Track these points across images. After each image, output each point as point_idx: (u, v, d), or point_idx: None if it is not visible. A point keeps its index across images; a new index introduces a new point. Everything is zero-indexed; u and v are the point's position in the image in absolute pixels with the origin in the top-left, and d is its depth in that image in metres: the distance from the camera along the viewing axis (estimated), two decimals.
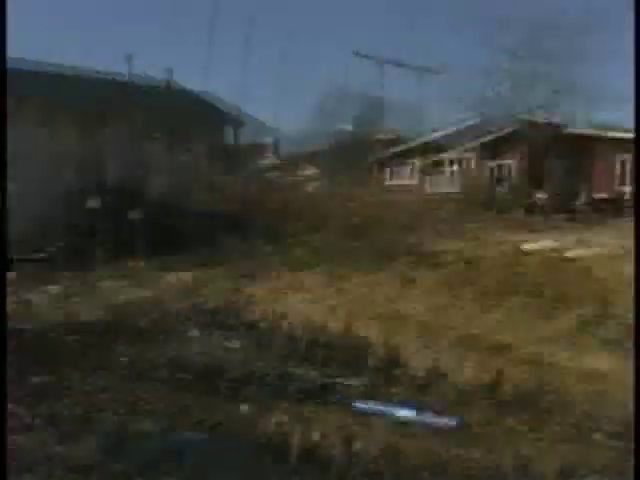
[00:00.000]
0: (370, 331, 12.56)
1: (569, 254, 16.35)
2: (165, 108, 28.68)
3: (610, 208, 26.65)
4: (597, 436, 8.17)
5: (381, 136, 39.63)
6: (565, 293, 13.40)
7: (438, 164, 36.48)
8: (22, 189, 21.86)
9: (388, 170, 38.63)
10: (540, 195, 28.99)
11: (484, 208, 27.30)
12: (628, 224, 18.41)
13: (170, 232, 21.94)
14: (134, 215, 22.20)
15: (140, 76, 30.68)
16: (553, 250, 17.12)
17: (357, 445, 7.25)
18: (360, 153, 36.39)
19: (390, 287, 15.32)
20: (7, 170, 15.52)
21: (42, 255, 21.14)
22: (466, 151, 35.24)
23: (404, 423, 8.32)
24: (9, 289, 17.29)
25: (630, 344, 9.85)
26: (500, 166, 34.06)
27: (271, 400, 8.97)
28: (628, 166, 28.84)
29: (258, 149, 35.27)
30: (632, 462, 5.94)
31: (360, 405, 8.86)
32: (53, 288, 18.20)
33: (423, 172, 36.35)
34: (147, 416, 8.13)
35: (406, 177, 37.59)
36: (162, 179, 24.61)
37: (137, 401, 8.74)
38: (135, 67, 30.06)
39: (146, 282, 18.09)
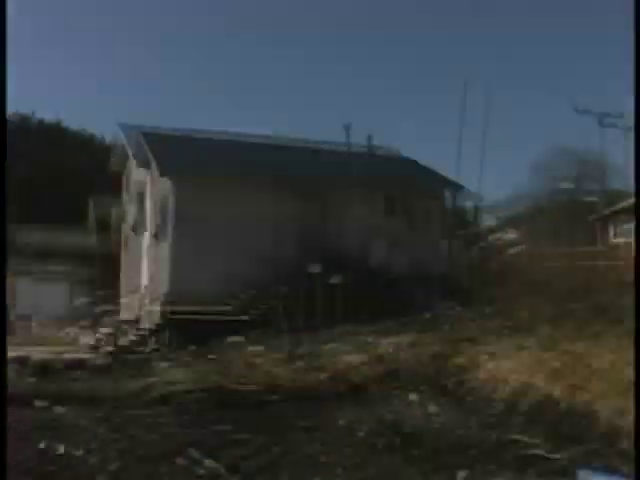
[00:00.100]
0: (595, 399, 11.83)
1: None
2: (382, 173, 29.37)
3: None
4: None
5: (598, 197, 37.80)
6: None
7: None
8: (239, 254, 23.40)
9: (612, 228, 36.67)
10: None
11: None
12: None
13: (387, 296, 22.24)
14: (350, 280, 22.82)
15: (349, 144, 31.58)
16: None
17: None
18: (581, 212, 34.95)
19: (617, 352, 14.37)
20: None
21: (247, 317, 22.30)
22: None
23: None
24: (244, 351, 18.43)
25: None
26: None
27: (491, 467, 8.71)
28: None
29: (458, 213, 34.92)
30: None
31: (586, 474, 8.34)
32: (258, 349, 19.14)
33: None
34: None
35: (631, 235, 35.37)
36: (381, 245, 25.13)
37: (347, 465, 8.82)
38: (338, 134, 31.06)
39: (365, 345, 18.35)
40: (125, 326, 23.83)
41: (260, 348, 19.21)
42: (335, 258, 23.54)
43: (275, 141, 31.20)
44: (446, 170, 29.80)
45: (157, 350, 20.64)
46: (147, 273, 24.50)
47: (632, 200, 35.51)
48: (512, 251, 31.19)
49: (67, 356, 18.29)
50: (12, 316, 32.08)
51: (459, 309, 20.97)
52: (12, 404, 12.72)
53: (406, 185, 28.33)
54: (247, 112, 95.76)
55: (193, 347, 19.98)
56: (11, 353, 18.41)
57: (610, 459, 9.14)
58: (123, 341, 22.17)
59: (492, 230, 36.44)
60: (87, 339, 22.97)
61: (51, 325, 29.77)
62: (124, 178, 31.75)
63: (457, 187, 28.62)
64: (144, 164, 25.49)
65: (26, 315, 31.43)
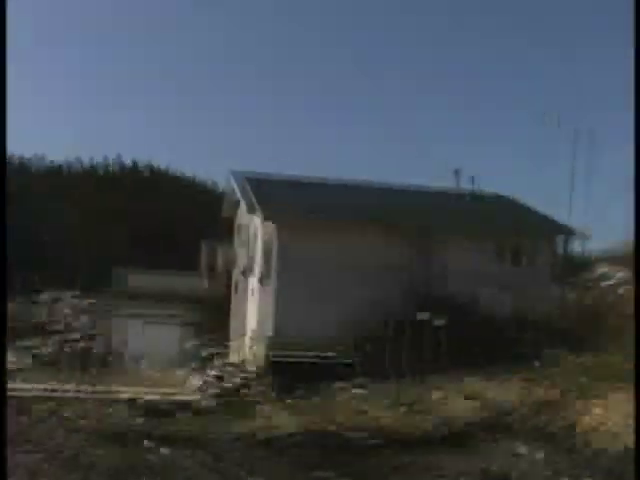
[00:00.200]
0: None
1: None
2: (491, 216, 28.98)
3: None
4: None
5: None
6: None
7: None
8: (344, 299, 23.44)
9: None
10: None
11: None
12: None
13: (496, 342, 21.75)
14: (458, 325, 22.44)
15: (459, 188, 31.33)
16: None
17: None
18: None
19: None
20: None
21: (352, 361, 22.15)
22: None
23: None
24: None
25: None
26: None
27: None
28: None
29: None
30: None
31: None
32: (363, 394, 18.95)
33: None
34: None
35: None
36: (490, 289, 24.62)
37: None
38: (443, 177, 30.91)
39: (473, 393, 17.94)
40: (232, 369, 24.13)
41: (365, 393, 19.07)
42: (443, 303, 23.20)
43: (379, 185, 31.27)
44: (557, 214, 29.08)
45: (262, 393, 20.75)
46: (254, 317, 24.83)
47: None
48: (624, 294, 29.88)
49: (175, 397, 18.66)
50: (126, 357, 33.13)
51: (571, 356, 20.19)
52: (122, 443, 13.16)
53: (515, 229, 27.74)
54: (345, 160, 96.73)
55: (298, 391, 20.01)
56: (123, 394, 19.02)
57: None
58: (230, 383, 22.44)
59: (605, 276, 35.00)
60: (195, 381, 23.36)
61: (162, 367, 30.48)
62: (235, 224, 32.53)
63: (568, 231, 27.82)
64: (253, 210, 26.02)
65: (138, 356, 32.33)
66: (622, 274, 30.72)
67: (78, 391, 20.20)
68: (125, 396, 18.77)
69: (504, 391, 17.60)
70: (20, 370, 27.24)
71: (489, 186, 32.14)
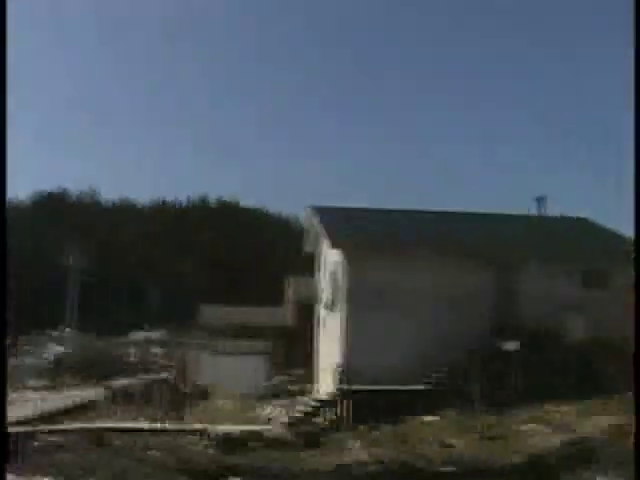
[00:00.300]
0: None
1: None
2: (574, 241, 28.37)
3: None
4: None
5: None
6: None
7: None
8: (421, 331, 23.17)
9: None
10: None
11: None
12: None
13: (586, 373, 21.13)
14: (546, 356, 21.94)
15: (544, 216, 30.76)
16: None
17: None
18: None
19: None
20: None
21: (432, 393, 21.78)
22: None
23: None
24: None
25: None
26: None
27: None
28: None
29: None
30: None
31: None
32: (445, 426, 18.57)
33: None
34: None
35: None
36: (579, 319, 23.96)
37: None
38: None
39: (563, 426, 17.41)
40: (318, 404, 24.08)
41: (451, 427, 18.72)
42: (528, 332, 22.68)
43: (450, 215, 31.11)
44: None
45: (352, 429, 20.56)
46: (339, 351, 24.75)
47: None
48: None
49: (266, 434, 18.74)
50: (213, 393, 33.52)
51: None
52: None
53: (600, 254, 27.01)
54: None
55: (385, 425, 19.79)
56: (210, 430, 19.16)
57: None
58: (317, 420, 22.41)
59: None
60: (282, 417, 23.44)
61: (249, 402, 30.74)
62: (318, 258, 32.70)
63: None
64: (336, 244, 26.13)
65: (229, 390, 32.72)
66: None
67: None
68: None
69: (596, 426, 16.99)
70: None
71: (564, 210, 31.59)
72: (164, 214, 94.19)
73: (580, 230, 30.45)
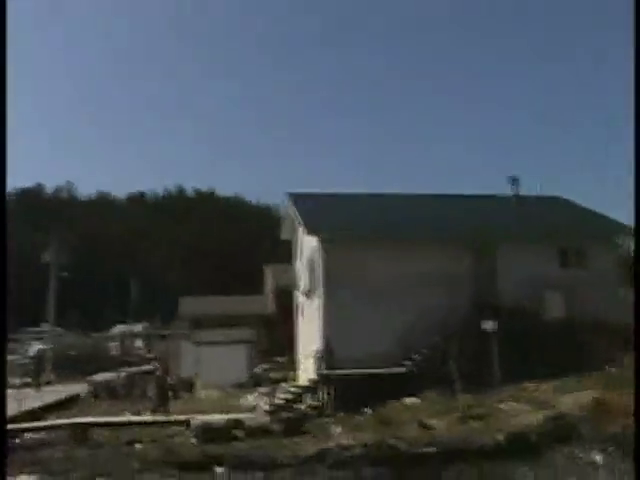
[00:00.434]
0: None
1: None
2: (553, 221, 28.58)
3: None
4: None
5: None
6: None
7: None
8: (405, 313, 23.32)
9: None
10: None
11: None
12: None
13: (565, 349, 21.35)
14: (525, 333, 22.11)
15: (517, 196, 30.93)
16: None
17: None
18: None
19: None
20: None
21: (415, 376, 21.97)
22: None
23: None
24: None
25: None
26: None
27: None
28: None
29: None
30: None
31: None
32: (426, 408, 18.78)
33: None
34: None
35: None
36: (556, 295, 24.18)
37: None
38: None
39: (544, 404, 17.61)
40: (300, 390, 24.17)
41: (432, 408, 18.87)
42: (507, 312, 22.86)
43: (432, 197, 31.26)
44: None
45: (334, 415, 20.68)
46: (319, 338, 24.81)
47: None
48: None
49: (249, 423, 18.80)
50: (197, 383, 33.57)
51: None
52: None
53: (576, 231, 27.26)
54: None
55: (368, 410, 19.92)
56: (195, 421, 19.23)
57: None
58: (300, 406, 22.48)
59: None
60: (265, 406, 23.49)
61: (233, 391, 30.82)
62: (296, 245, 32.69)
63: (630, 231, 27.17)
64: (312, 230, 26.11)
65: (212, 381, 32.79)
66: None
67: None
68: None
69: (575, 402, 17.20)
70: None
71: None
72: (143, 206, 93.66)
73: (556, 209, 30.68)
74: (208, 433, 17.45)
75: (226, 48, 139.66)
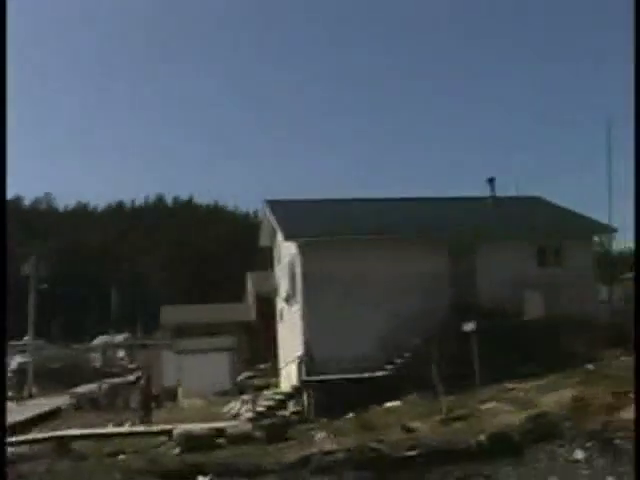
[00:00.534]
0: None
1: None
2: (531, 220, 28.80)
3: None
4: None
5: None
6: None
7: None
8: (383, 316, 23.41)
9: None
10: None
11: None
12: None
13: (546, 348, 21.50)
14: (505, 333, 22.26)
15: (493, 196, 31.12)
16: None
17: None
18: None
19: None
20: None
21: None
22: None
23: None
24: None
25: None
26: None
27: None
28: None
29: None
30: None
31: None
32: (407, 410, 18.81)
33: None
34: None
35: None
36: (535, 294, 24.36)
37: None
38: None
39: (525, 403, 17.72)
40: (283, 397, 24.19)
41: (414, 411, 18.93)
42: (486, 313, 22.99)
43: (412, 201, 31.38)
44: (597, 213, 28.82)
45: (316, 420, 20.70)
46: (300, 343, 24.84)
47: None
48: None
49: (232, 431, 18.77)
50: (180, 393, 33.47)
51: (623, 358, 19.85)
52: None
53: (555, 230, 27.48)
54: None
55: (351, 415, 19.94)
56: (178, 430, 19.19)
57: None
58: (283, 413, 22.51)
59: None
60: (248, 413, 23.50)
61: (216, 399, 30.77)
62: (275, 251, 32.73)
63: (610, 230, 27.46)
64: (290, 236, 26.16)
65: (195, 389, 32.74)
66: None
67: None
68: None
69: (557, 400, 17.31)
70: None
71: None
72: (121, 216, 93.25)
73: (535, 209, 30.90)
74: (191, 442, 17.41)
75: (226, 48, 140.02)
